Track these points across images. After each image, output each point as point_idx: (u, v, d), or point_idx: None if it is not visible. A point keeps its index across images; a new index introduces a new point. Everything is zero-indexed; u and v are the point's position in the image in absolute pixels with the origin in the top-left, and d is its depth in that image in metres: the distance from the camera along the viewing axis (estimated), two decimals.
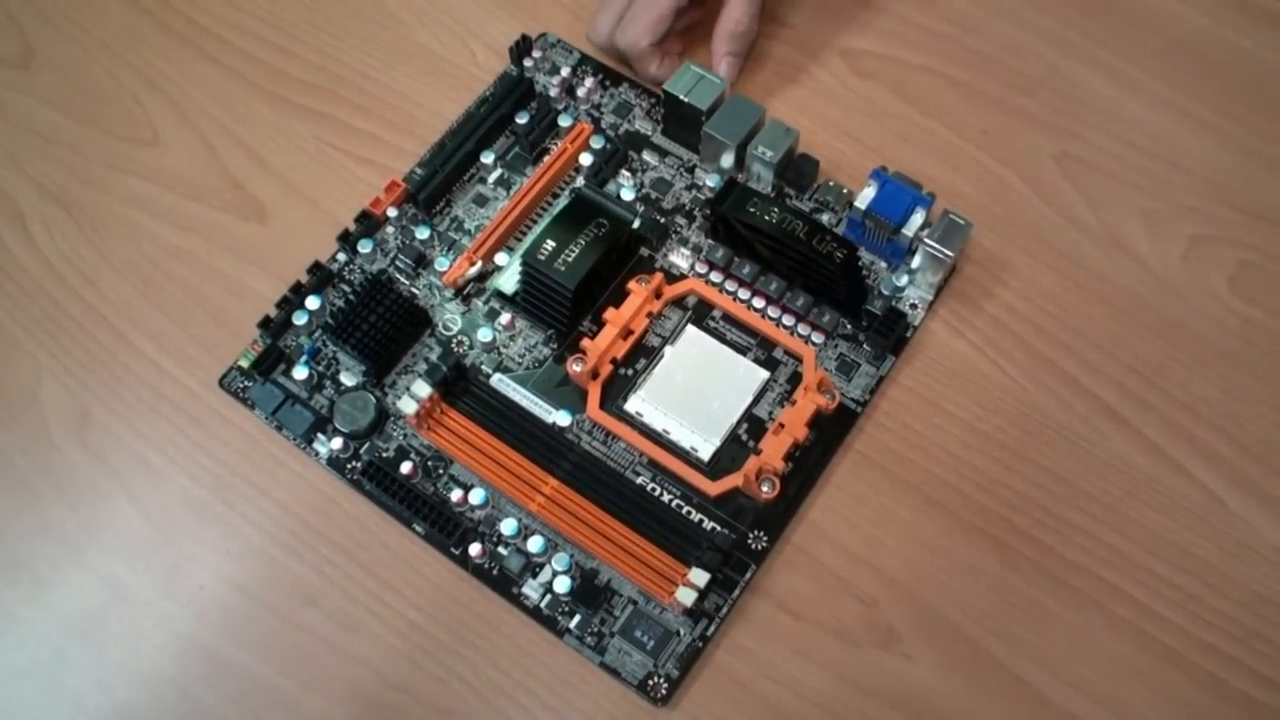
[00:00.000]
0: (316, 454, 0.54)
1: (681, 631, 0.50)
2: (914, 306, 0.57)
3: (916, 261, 0.57)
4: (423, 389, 0.52)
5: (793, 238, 0.54)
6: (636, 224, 0.57)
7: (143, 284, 0.58)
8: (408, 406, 0.52)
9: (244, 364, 0.55)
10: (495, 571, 0.51)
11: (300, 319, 0.56)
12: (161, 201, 0.61)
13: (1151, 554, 0.53)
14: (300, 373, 0.55)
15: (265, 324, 0.56)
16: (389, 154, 0.62)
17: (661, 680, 0.50)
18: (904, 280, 0.57)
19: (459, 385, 0.54)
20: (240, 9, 0.67)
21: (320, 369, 0.55)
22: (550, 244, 0.54)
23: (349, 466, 0.53)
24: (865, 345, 0.56)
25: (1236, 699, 0.50)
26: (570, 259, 0.54)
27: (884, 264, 0.58)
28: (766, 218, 0.55)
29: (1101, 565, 0.53)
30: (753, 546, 0.52)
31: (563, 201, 0.58)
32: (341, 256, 0.58)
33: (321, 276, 0.57)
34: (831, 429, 0.54)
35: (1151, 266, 0.59)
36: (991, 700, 0.50)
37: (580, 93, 0.62)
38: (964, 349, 0.57)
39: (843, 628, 0.51)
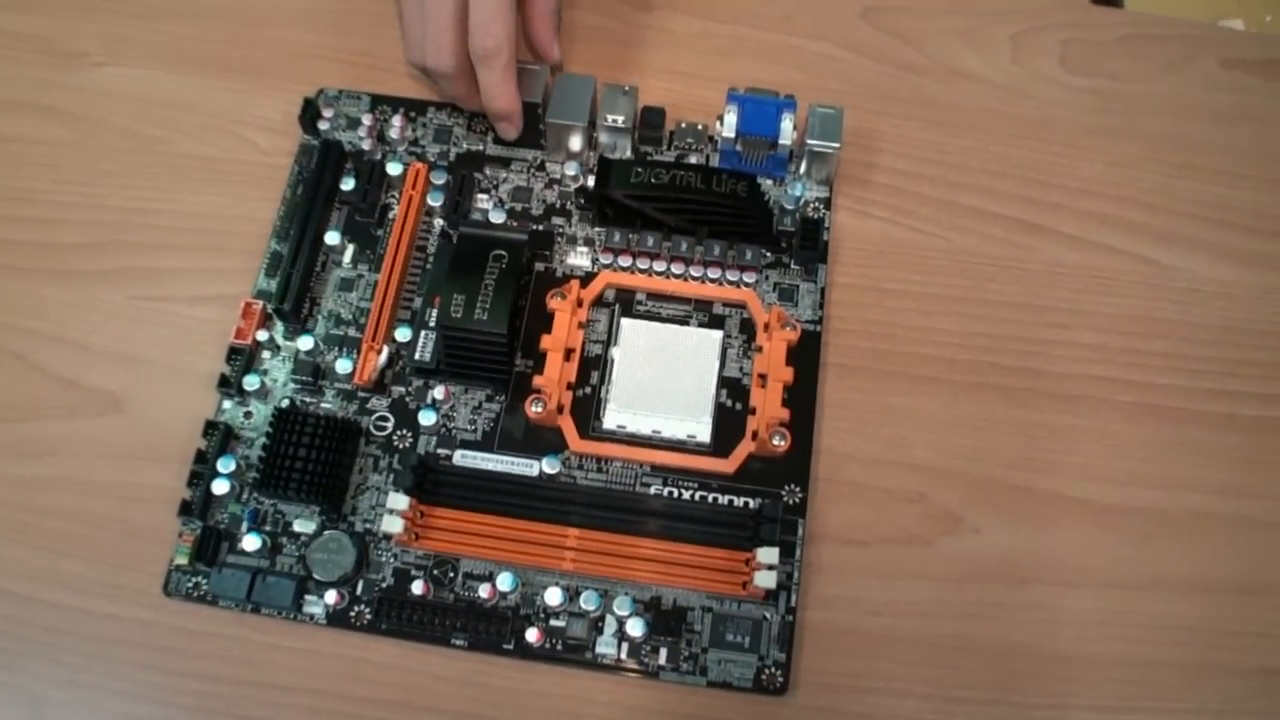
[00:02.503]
0: (311, 617, 0.46)
1: (767, 615, 0.46)
2: (817, 209, 0.54)
3: (804, 165, 0.53)
4: (400, 501, 0.45)
5: (691, 190, 0.50)
6: (524, 238, 0.50)
7: (21, 535, 0.48)
8: (394, 525, 0.45)
9: (182, 560, 0.46)
10: (560, 647, 0.45)
11: (221, 487, 0.47)
12: None
13: (1123, 334, 0.53)
14: (252, 543, 0.46)
15: (186, 509, 0.47)
16: (217, 282, 0.52)
17: (774, 670, 0.45)
18: (799, 189, 0.53)
19: (427, 481, 0.47)
20: None
21: (270, 529, 0.47)
22: (459, 297, 0.47)
23: (354, 614, 0.46)
24: (793, 265, 0.52)
25: (1253, 424, 0.51)
26: (487, 304, 0.47)
27: (769, 181, 0.54)
28: (654, 181, 0.50)
29: (1089, 365, 0.52)
30: (789, 501, 0.48)
31: (441, 250, 0.52)
32: (229, 404, 0.49)
33: (221, 434, 0.48)
34: (804, 356, 0.50)
35: (991, 79, 0.58)
36: (1065, 530, 0.49)
37: (393, 134, 0.54)
38: (876, 227, 0.54)
39: (908, 534, 0.48)
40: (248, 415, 0.49)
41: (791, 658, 0.45)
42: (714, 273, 0.52)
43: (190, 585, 0.46)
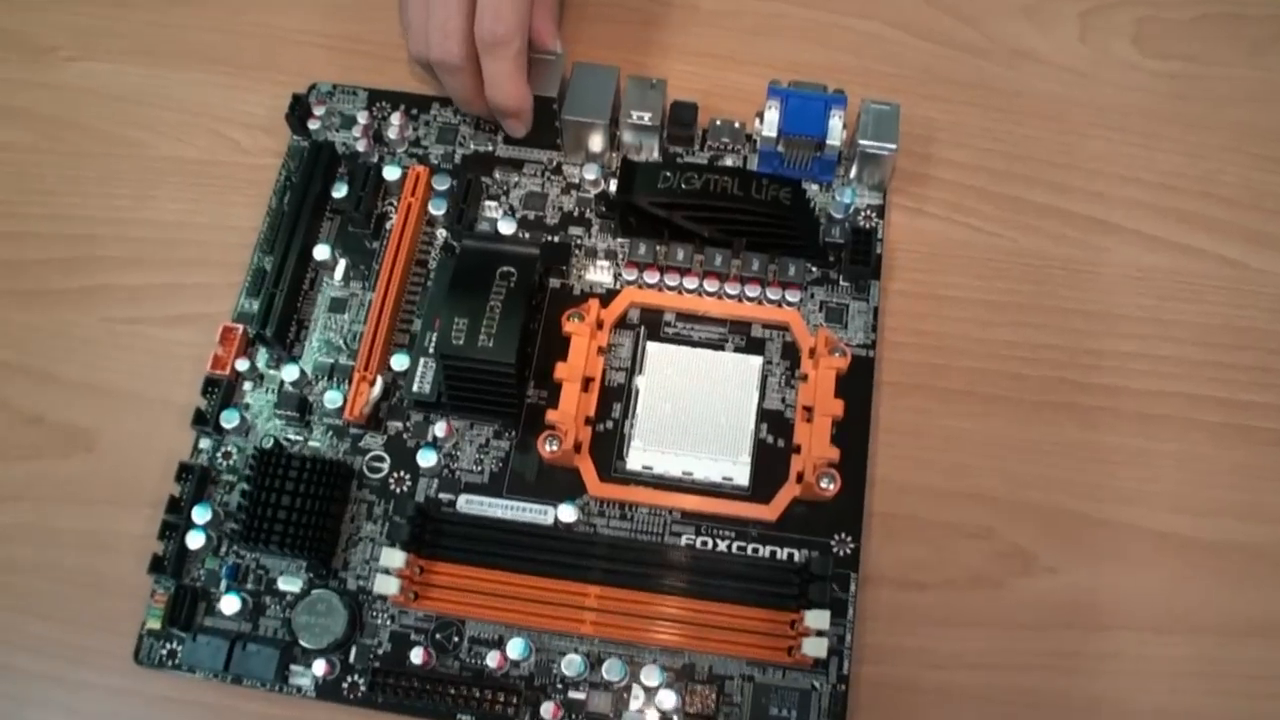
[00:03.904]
0: (299, 690, 0.38)
1: (816, 684, 0.37)
2: (869, 218, 0.44)
3: (855, 169, 0.44)
4: (396, 558, 0.36)
5: (726, 196, 0.41)
6: (535, 253, 0.41)
7: None
8: (388, 586, 0.36)
9: (154, 625, 0.38)
10: None
11: (196, 540, 0.39)
12: None
13: (1209, 345, 0.44)
14: (230, 604, 0.38)
15: (157, 566, 0.39)
16: (196, 299, 0.44)
17: None
18: (849, 195, 0.44)
19: (427, 531, 0.38)
20: None
21: (251, 588, 0.39)
22: (460, 321, 0.38)
23: (347, 685, 0.37)
24: (843, 281, 0.43)
25: None
26: (493, 329, 0.38)
27: (815, 186, 0.45)
28: (685, 186, 0.41)
29: (1171, 380, 0.43)
30: (840, 553, 0.39)
31: (443, 265, 0.43)
32: (206, 443, 0.41)
33: (196, 478, 0.40)
34: (855, 384, 0.41)
35: (1057, 61, 0.49)
36: (1150, 568, 0.40)
37: (391, 134, 0.45)
38: (932, 226, 0.45)
39: (975, 574, 0.40)
40: (225, 455, 0.41)
41: None
42: (753, 290, 0.42)
43: (164, 653, 0.38)
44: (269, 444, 0.40)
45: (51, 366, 0.43)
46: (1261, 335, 0.44)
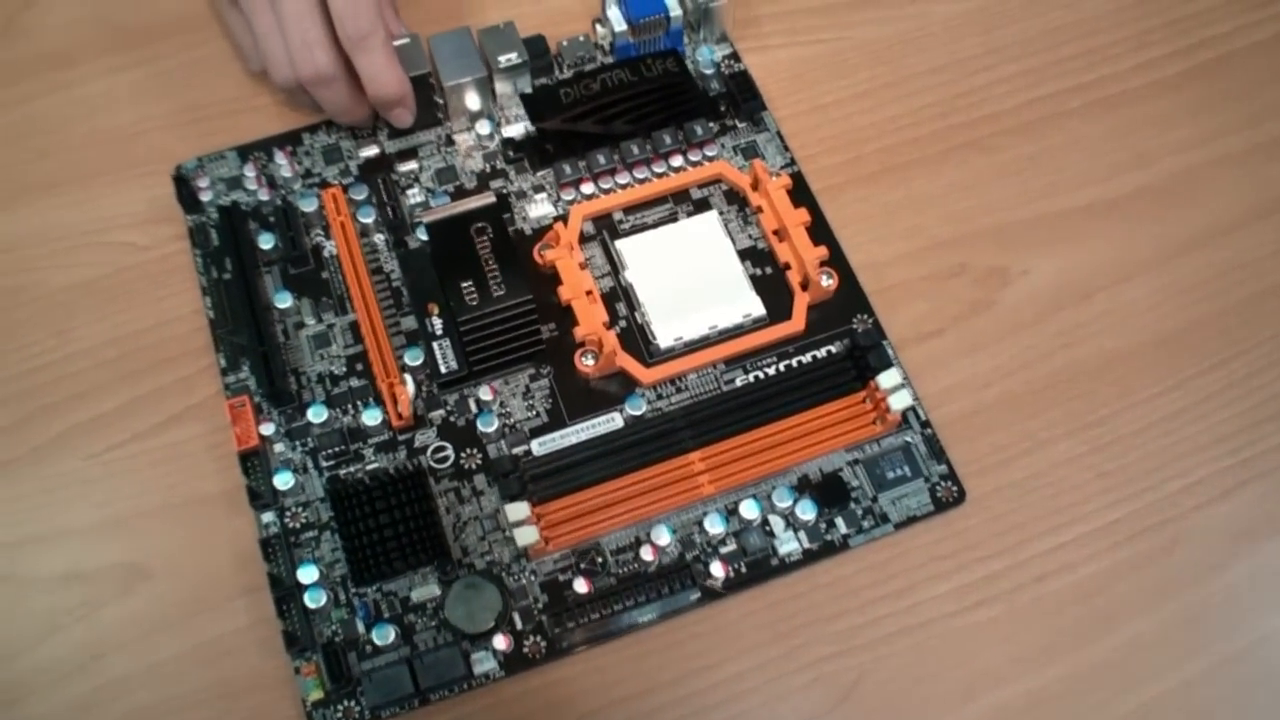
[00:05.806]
0: (487, 677, 0.39)
1: (909, 439, 0.43)
2: (730, 64, 0.50)
3: (704, 29, 0.50)
4: (520, 510, 0.39)
5: (625, 86, 0.45)
6: (494, 200, 0.44)
7: None
8: (529, 536, 0.38)
9: (317, 695, 0.38)
10: (745, 569, 0.40)
11: (315, 600, 0.39)
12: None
13: (1040, 52, 0.51)
14: (385, 636, 0.39)
15: (291, 640, 0.39)
16: (179, 396, 0.43)
17: (945, 483, 0.42)
18: (707, 53, 0.49)
19: (524, 482, 0.40)
20: None
21: (392, 615, 0.40)
22: (467, 285, 0.41)
23: (529, 646, 0.39)
24: (740, 123, 0.49)
25: (1182, 78, 0.51)
26: (499, 276, 0.41)
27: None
28: (586, 93, 0.45)
29: (1029, 90, 0.51)
30: (859, 328, 0.45)
31: (408, 257, 0.45)
32: (269, 515, 0.41)
33: (284, 548, 0.40)
34: (799, 198, 0.46)
35: None
36: (1093, 235, 0.47)
37: (285, 173, 0.47)
38: (782, 55, 0.51)
39: (970, 303, 0.46)
40: (294, 516, 0.41)
41: (952, 465, 0.43)
42: (675, 161, 0.47)
43: (339, 717, 0.39)
44: (333, 486, 0.41)
45: (56, 523, 0.42)
46: (1073, 26, 0.52)
